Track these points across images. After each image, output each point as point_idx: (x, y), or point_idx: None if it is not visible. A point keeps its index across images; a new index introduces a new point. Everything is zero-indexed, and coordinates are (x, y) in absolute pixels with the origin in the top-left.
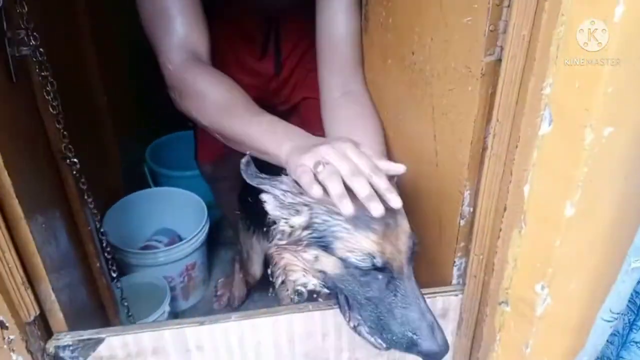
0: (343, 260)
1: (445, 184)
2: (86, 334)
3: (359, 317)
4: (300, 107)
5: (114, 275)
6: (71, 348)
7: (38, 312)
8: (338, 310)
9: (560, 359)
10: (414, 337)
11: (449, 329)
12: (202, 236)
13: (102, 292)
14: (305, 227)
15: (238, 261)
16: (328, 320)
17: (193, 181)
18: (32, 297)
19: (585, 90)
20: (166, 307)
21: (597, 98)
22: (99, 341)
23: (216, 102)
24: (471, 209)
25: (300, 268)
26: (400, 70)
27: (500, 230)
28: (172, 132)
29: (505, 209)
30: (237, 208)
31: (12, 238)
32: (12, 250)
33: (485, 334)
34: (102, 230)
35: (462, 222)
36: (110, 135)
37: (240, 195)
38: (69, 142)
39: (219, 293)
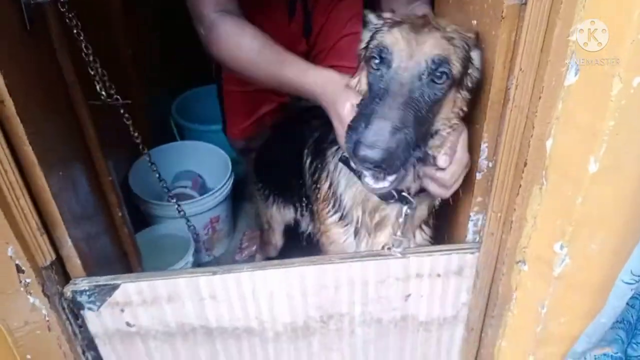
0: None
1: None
2: (102, 280)
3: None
4: None
5: None
6: (88, 293)
7: (54, 257)
8: (350, 263)
9: (578, 320)
10: (362, 130)
11: (464, 286)
12: (226, 190)
13: (125, 241)
14: (369, 40)
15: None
16: (341, 274)
17: (218, 135)
18: (47, 242)
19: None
20: (190, 258)
21: (627, 45)
22: (115, 287)
23: (249, 50)
24: (489, 163)
25: None
26: (468, 11)
27: (520, 186)
28: (197, 87)
29: (525, 164)
30: (253, 179)
31: (26, 185)
32: (27, 196)
33: (501, 293)
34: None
35: (479, 176)
36: (137, 89)
37: (256, 165)
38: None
39: (243, 245)
